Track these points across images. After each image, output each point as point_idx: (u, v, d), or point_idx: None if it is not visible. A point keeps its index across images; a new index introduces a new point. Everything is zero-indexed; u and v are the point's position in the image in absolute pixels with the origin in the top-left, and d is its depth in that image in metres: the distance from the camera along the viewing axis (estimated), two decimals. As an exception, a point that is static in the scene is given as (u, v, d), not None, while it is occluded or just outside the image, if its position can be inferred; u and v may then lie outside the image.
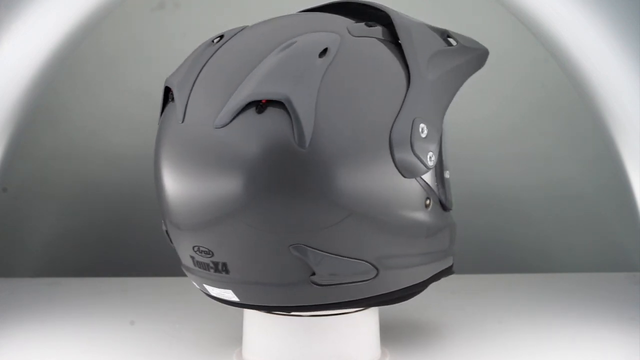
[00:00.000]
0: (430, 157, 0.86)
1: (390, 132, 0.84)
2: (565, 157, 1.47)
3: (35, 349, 1.03)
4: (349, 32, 0.87)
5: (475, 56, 0.95)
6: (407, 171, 0.85)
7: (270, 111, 0.82)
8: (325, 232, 0.84)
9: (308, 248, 0.84)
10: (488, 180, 1.32)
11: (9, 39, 1.14)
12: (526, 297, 1.22)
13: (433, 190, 0.89)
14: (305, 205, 0.83)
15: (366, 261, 0.86)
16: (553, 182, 1.46)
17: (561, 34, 1.20)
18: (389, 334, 0.99)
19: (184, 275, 0.94)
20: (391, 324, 1.00)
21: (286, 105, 0.81)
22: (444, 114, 0.90)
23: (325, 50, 0.84)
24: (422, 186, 0.87)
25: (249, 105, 0.82)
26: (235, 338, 0.99)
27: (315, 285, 0.86)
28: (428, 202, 0.88)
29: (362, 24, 0.89)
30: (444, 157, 0.92)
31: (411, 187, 0.86)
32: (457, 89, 0.92)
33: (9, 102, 1.17)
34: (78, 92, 1.45)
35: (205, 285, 0.91)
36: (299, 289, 0.86)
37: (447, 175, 0.92)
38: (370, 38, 0.88)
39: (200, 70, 0.88)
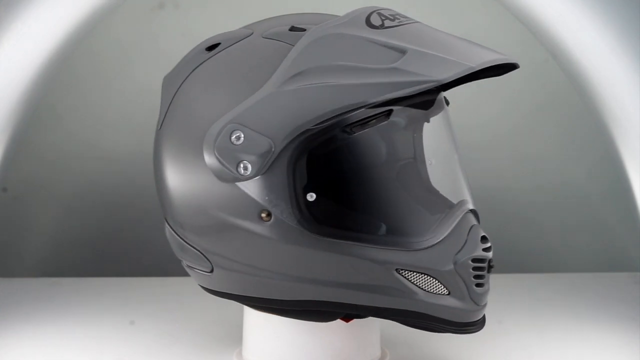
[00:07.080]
0: (243, 167, 0.81)
1: (206, 132, 0.83)
2: (564, 158, 1.47)
3: (35, 349, 1.02)
4: (262, 33, 0.86)
5: (405, 82, 0.80)
6: (217, 175, 0.83)
7: None
8: (169, 211, 0.88)
9: (166, 224, 0.91)
10: (489, 182, 1.32)
11: (9, 39, 1.14)
12: (526, 297, 1.22)
13: (274, 204, 0.81)
14: (157, 182, 0.90)
15: (200, 252, 0.87)
16: (553, 183, 1.46)
17: (561, 34, 1.20)
18: (389, 334, 0.99)
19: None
20: (391, 324, 1.00)
21: None
22: (298, 127, 0.80)
23: (216, 45, 0.88)
24: (251, 195, 0.82)
25: None
26: (235, 338, 0.99)
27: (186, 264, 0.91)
28: (265, 215, 0.82)
29: (287, 27, 0.85)
30: (314, 179, 0.82)
31: (232, 193, 0.83)
32: (346, 106, 0.80)
33: (9, 102, 1.17)
34: (78, 92, 1.45)
35: None
36: (181, 265, 0.92)
37: (310, 197, 0.82)
38: (277, 41, 0.84)
39: None
